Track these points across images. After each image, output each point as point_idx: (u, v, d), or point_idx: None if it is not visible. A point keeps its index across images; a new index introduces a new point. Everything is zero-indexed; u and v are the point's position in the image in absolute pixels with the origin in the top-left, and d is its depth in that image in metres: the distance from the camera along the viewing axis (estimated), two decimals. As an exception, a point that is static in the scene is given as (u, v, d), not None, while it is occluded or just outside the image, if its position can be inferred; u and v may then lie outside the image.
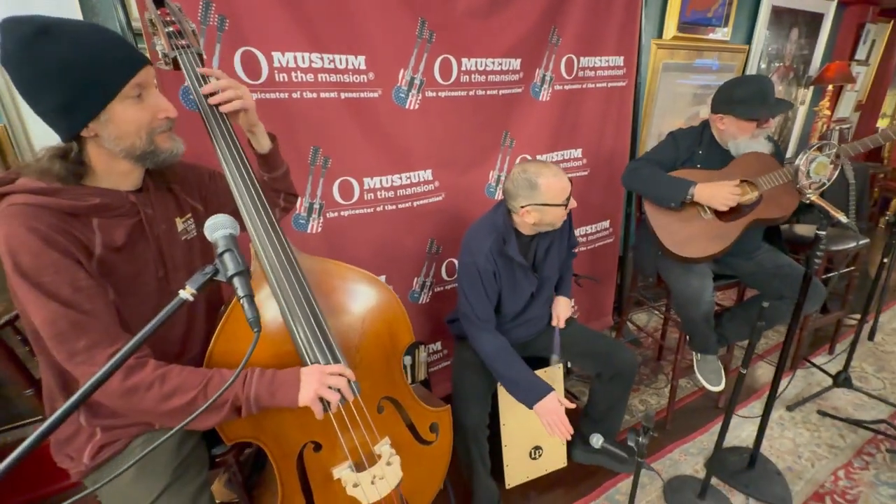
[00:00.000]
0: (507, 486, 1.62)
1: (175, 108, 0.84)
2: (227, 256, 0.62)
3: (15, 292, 0.75)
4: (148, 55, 0.97)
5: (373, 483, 0.96)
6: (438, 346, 2.02)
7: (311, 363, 0.89)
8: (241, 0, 1.27)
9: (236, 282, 0.61)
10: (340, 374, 0.87)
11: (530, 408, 1.33)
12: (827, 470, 1.69)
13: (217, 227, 0.64)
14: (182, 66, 0.92)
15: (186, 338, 0.96)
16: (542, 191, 1.26)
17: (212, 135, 0.90)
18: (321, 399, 0.86)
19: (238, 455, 1.06)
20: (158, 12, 0.95)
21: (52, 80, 0.70)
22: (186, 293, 0.58)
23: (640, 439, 1.06)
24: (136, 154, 0.80)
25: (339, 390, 0.86)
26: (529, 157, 1.96)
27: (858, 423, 1.87)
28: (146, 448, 0.88)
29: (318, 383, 0.85)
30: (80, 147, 0.78)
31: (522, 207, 1.29)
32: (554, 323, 1.53)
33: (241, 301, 0.60)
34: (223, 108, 0.90)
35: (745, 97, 1.53)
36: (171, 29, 0.94)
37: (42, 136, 1.33)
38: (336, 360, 0.91)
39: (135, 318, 0.86)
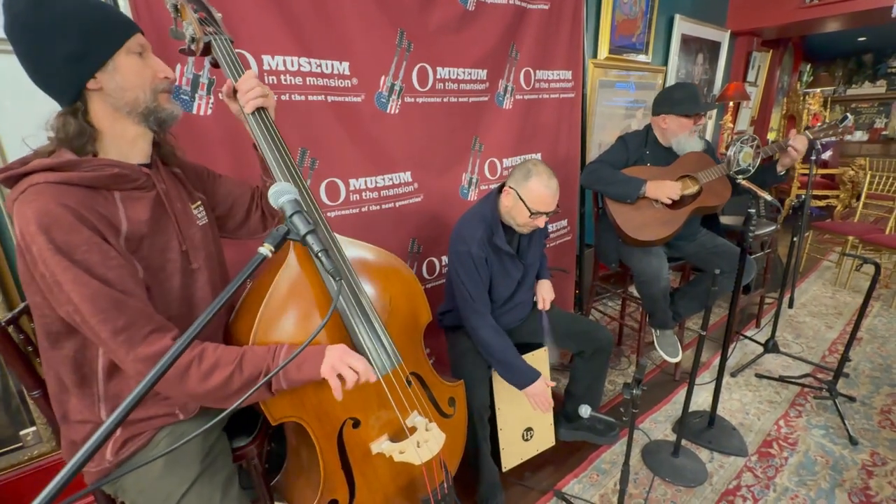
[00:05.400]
0: (504, 469, 1.68)
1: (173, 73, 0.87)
2: (296, 218, 0.66)
3: (43, 272, 0.71)
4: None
5: (419, 447, 1.00)
6: (421, 345, 2.06)
7: (366, 350, 0.94)
8: (232, 3, 1.30)
9: (309, 239, 0.65)
10: (356, 365, 0.89)
11: (521, 390, 1.46)
12: (770, 421, 1.94)
13: (282, 193, 0.68)
14: (215, 50, 0.93)
15: (211, 322, 0.95)
16: (530, 186, 1.38)
17: (251, 120, 0.93)
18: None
19: (260, 447, 1.04)
20: None
21: (63, 29, 0.72)
22: (266, 249, 0.62)
23: (634, 391, 1.18)
24: (139, 110, 0.81)
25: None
26: (497, 160, 2.12)
27: (789, 381, 2.17)
28: (172, 440, 0.87)
29: (338, 359, 0.89)
30: (84, 107, 0.78)
31: (509, 188, 1.41)
32: (540, 306, 1.65)
33: (318, 255, 0.64)
34: (246, 109, 0.93)
35: (682, 98, 1.81)
36: (198, 16, 0.95)
37: (10, 133, 1.24)
38: (388, 348, 0.97)
39: (162, 295, 0.85)
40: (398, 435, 1.03)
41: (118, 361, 0.77)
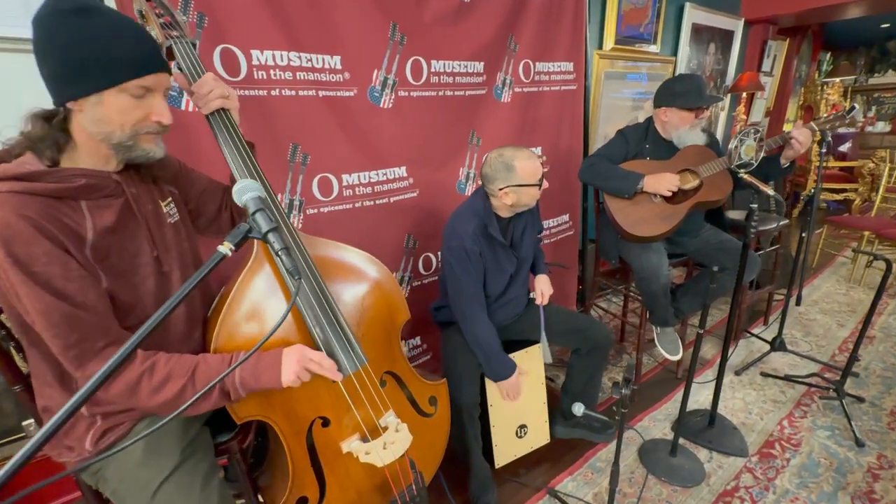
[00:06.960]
0: (497, 466, 1.67)
1: (171, 118, 0.81)
2: (258, 216, 0.66)
3: (5, 282, 0.73)
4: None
5: (385, 448, 0.99)
6: (418, 340, 2.06)
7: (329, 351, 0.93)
8: (220, -2, 1.30)
9: (271, 237, 0.64)
10: (319, 363, 0.90)
11: (496, 381, 1.52)
12: (773, 421, 1.90)
13: (245, 191, 0.67)
14: (177, 54, 0.93)
15: (190, 324, 0.95)
16: (517, 172, 1.36)
17: (210, 121, 0.93)
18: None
19: (242, 442, 1.04)
20: (148, 4, 0.97)
21: (47, 52, 0.72)
22: (225, 248, 0.61)
23: (624, 390, 1.16)
24: (112, 142, 0.78)
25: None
26: (495, 155, 2.08)
27: (795, 380, 2.11)
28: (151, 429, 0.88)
29: (298, 364, 0.88)
30: (66, 116, 0.77)
31: (501, 189, 1.39)
32: (538, 300, 1.62)
33: (279, 254, 0.63)
34: (204, 110, 0.92)
35: (684, 91, 1.75)
36: (162, 20, 0.96)
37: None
38: (353, 349, 0.96)
39: (135, 301, 0.85)
40: (370, 434, 1.02)
41: (72, 374, 0.78)
